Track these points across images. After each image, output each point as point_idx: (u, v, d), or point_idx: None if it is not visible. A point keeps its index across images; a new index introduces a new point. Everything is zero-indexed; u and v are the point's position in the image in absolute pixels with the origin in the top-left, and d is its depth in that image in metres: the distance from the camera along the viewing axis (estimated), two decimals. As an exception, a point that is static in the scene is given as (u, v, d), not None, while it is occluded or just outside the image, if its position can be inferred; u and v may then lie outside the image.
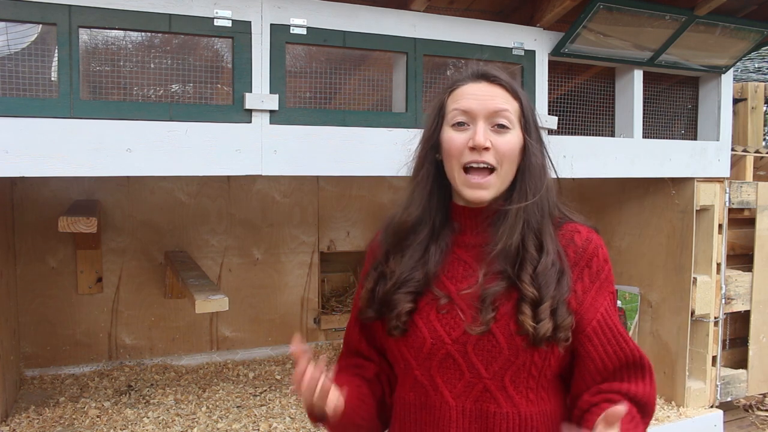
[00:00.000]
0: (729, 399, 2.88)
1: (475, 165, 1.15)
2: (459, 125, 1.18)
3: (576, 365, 1.19)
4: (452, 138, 1.18)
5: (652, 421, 2.49)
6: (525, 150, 1.19)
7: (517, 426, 1.15)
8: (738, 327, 3.05)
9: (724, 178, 2.66)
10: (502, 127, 1.16)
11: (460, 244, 1.22)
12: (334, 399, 1.08)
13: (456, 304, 1.17)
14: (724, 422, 2.70)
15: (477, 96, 1.18)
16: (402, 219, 1.23)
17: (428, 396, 1.18)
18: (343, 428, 1.18)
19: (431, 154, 1.23)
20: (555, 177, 1.26)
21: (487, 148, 1.15)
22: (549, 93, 2.24)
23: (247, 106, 1.74)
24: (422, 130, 1.28)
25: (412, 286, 1.19)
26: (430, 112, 1.26)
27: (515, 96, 1.20)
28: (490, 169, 1.16)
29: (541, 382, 1.16)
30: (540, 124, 1.26)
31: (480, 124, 1.16)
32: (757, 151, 3.33)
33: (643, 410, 1.17)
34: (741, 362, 3.01)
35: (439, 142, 1.22)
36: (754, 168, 3.27)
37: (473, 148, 1.15)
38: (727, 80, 2.63)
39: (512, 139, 1.17)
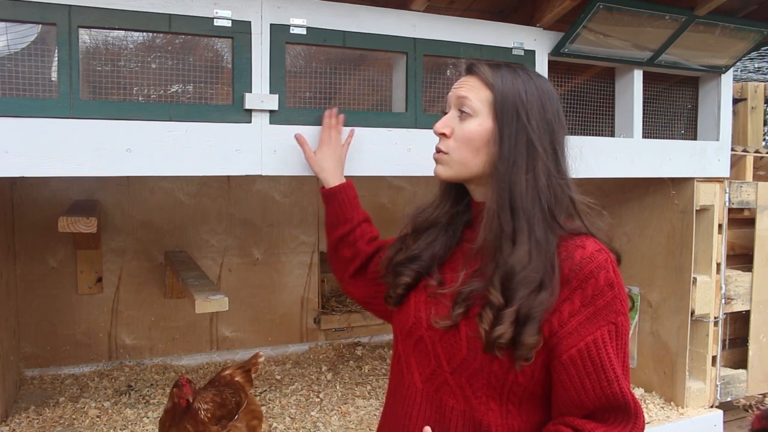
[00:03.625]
0: (729, 399, 2.87)
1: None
2: (443, 114, 1.26)
3: (551, 392, 1.12)
4: None
5: (653, 421, 2.50)
6: (495, 140, 1.15)
7: (470, 428, 1.11)
8: (738, 327, 3.05)
9: (724, 178, 2.66)
10: (463, 113, 1.20)
11: (469, 237, 1.24)
12: None
13: (445, 293, 1.18)
14: (724, 422, 2.70)
15: (455, 87, 1.24)
16: (431, 214, 1.30)
17: (403, 375, 1.22)
18: None
19: None
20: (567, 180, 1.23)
21: (443, 134, 1.22)
22: (549, 93, 2.23)
23: (247, 106, 1.74)
24: None
25: (418, 264, 1.24)
26: None
27: (488, 85, 1.17)
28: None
29: (510, 397, 1.10)
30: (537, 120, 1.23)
31: (451, 112, 1.23)
32: (757, 151, 3.33)
33: None
34: (741, 362, 3.01)
35: None
36: (754, 168, 3.27)
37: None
38: (727, 80, 2.63)
39: (470, 126, 1.17)
